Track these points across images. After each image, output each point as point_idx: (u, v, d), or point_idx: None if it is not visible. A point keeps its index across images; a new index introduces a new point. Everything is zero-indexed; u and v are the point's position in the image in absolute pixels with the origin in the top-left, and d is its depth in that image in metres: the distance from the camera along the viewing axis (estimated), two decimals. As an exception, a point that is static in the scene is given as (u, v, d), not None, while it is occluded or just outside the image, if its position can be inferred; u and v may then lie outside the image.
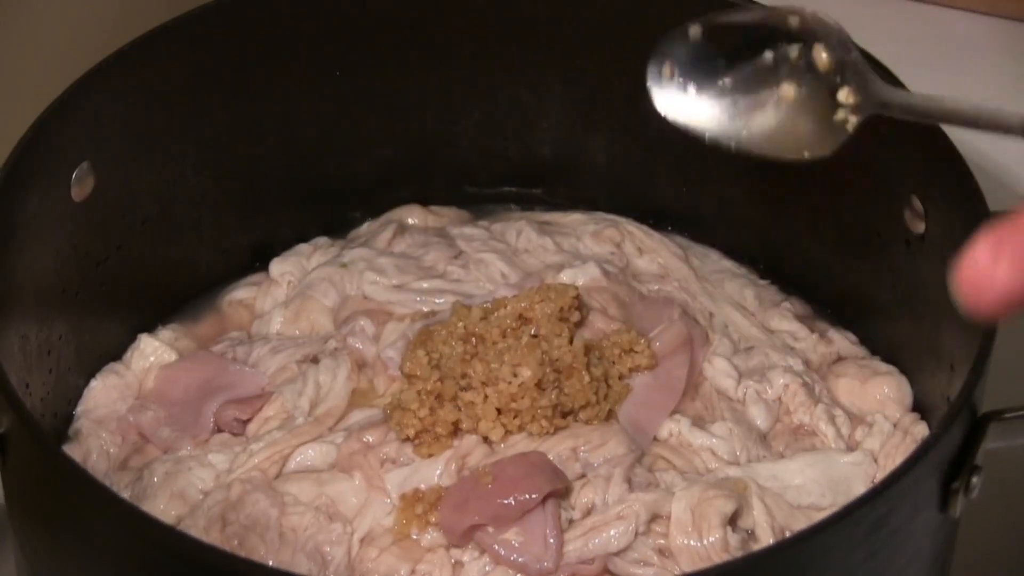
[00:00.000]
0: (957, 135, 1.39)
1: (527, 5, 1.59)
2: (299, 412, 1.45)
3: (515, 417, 1.39)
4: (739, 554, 1.33)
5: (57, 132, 1.39)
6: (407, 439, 1.40)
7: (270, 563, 1.32)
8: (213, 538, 1.34)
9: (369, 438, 1.41)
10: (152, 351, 1.52)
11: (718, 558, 1.33)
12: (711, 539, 1.33)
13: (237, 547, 1.34)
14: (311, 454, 1.42)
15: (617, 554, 1.34)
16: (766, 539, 1.36)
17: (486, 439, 1.40)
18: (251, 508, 1.37)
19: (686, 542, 1.34)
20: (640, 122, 1.62)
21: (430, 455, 1.39)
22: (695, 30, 1.20)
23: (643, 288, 1.57)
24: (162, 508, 1.38)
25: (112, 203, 1.48)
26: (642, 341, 1.47)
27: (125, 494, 1.40)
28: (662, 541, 1.35)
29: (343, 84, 1.59)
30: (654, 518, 1.36)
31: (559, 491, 1.36)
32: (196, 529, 1.36)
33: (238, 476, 1.39)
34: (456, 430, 1.40)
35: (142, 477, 1.41)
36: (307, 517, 1.37)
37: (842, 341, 1.55)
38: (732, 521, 1.35)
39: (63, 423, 1.47)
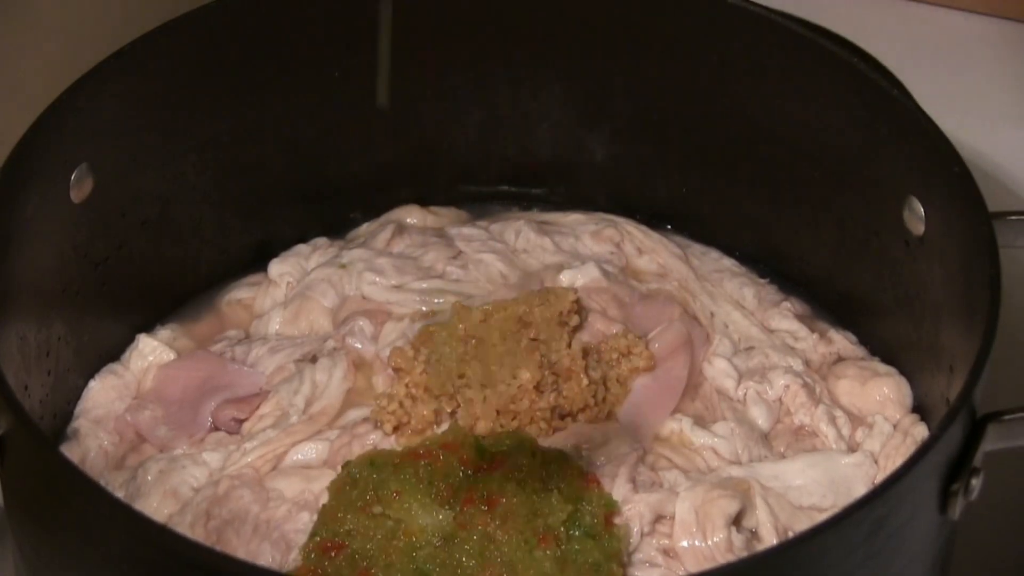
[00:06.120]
0: (956, 136, 1.39)
1: (527, 5, 1.58)
2: (294, 410, 1.45)
3: (514, 419, 1.39)
4: (743, 554, 1.33)
5: (56, 132, 1.39)
6: (387, 434, 1.41)
7: (239, 554, 1.32)
8: (197, 533, 1.35)
9: (358, 430, 1.42)
10: (151, 351, 1.52)
11: (723, 558, 1.33)
12: (715, 539, 1.33)
13: (216, 541, 1.34)
14: (307, 452, 1.42)
15: (622, 555, 1.34)
16: (770, 539, 1.36)
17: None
18: (235, 503, 1.37)
19: (691, 543, 1.34)
20: (640, 122, 1.63)
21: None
22: None
23: (643, 288, 1.57)
24: (155, 506, 1.38)
25: (111, 204, 1.47)
26: (640, 344, 1.47)
27: (119, 493, 1.40)
28: (666, 541, 1.35)
29: (343, 84, 1.59)
30: (658, 518, 1.35)
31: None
32: (183, 525, 1.36)
33: (229, 473, 1.39)
34: (435, 424, 1.40)
35: (136, 476, 1.41)
36: (282, 510, 1.37)
37: (842, 341, 1.54)
38: (736, 521, 1.35)
39: (62, 423, 1.47)
